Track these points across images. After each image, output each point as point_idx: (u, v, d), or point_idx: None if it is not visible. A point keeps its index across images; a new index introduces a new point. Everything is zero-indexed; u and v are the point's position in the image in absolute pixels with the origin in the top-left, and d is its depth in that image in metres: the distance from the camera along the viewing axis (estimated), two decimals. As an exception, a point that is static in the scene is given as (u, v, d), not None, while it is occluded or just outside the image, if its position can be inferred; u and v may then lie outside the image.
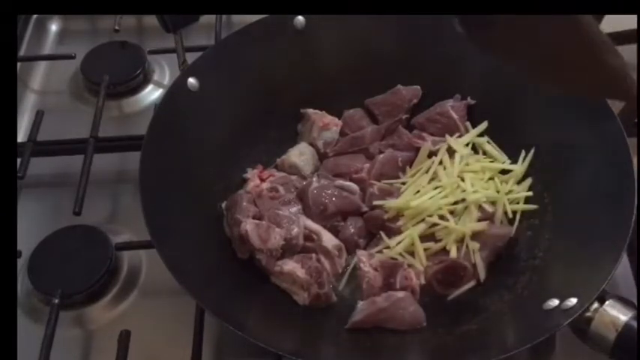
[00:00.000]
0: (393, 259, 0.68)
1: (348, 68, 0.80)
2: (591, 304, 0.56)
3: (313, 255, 0.68)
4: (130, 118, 0.90)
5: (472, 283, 0.67)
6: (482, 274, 0.67)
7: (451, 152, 0.75)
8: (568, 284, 0.59)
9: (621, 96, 0.53)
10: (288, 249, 0.68)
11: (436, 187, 0.72)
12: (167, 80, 0.94)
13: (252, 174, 0.75)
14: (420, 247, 0.68)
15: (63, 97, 0.92)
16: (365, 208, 0.73)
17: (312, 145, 0.79)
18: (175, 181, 0.68)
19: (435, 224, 0.69)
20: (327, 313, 0.67)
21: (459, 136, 0.76)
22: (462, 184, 0.72)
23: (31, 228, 0.74)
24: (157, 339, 0.68)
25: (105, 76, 0.89)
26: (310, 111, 0.79)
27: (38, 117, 0.84)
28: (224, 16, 0.97)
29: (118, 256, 0.73)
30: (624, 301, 0.57)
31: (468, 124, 0.77)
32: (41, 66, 0.96)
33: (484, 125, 0.77)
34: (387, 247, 0.69)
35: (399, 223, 0.70)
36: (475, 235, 0.68)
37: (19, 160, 0.78)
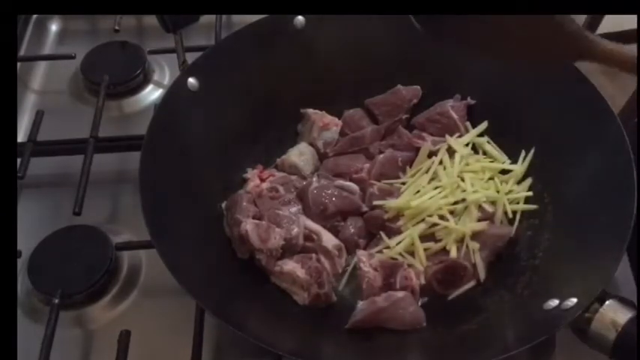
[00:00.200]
0: (393, 259, 0.68)
1: (348, 68, 0.80)
2: (591, 304, 0.56)
3: (313, 255, 0.68)
4: (130, 118, 0.90)
5: (472, 283, 0.67)
6: (482, 274, 0.67)
7: (451, 152, 0.75)
8: (568, 284, 0.59)
9: (586, 55, 0.54)
10: (288, 249, 0.68)
11: (436, 187, 0.72)
12: (167, 80, 0.93)
13: (252, 174, 0.75)
14: (420, 247, 0.68)
15: (63, 97, 0.92)
16: (365, 208, 0.73)
17: (312, 145, 0.79)
18: (175, 181, 0.68)
19: (435, 224, 0.69)
20: (327, 313, 0.67)
21: (459, 136, 0.76)
22: (462, 184, 0.72)
23: (31, 228, 0.74)
24: (157, 339, 0.68)
25: (105, 76, 0.89)
26: (310, 111, 0.79)
27: (38, 117, 0.84)
28: (224, 16, 0.97)
29: (118, 256, 0.73)
30: (624, 301, 0.57)
31: (468, 124, 0.77)
32: (41, 66, 0.96)
33: (484, 125, 0.77)
34: (387, 247, 0.69)
35: (399, 223, 0.70)
36: (475, 235, 0.68)
37: (19, 160, 0.78)
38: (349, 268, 0.69)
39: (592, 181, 0.66)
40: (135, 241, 0.73)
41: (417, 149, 0.76)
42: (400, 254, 0.68)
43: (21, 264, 0.71)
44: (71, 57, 0.93)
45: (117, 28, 0.95)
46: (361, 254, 0.68)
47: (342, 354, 0.63)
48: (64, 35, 1.02)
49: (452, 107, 0.77)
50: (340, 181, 0.74)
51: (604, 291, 0.56)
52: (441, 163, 0.74)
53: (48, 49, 1.00)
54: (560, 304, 0.57)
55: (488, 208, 0.70)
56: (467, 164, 0.74)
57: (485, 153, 0.76)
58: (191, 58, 0.77)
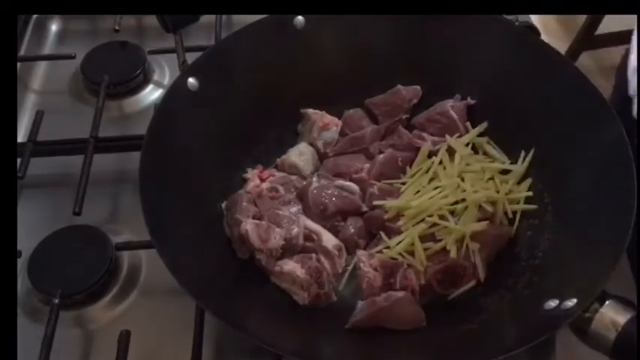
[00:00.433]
0: (393, 259, 0.68)
1: (348, 68, 0.80)
2: (591, 304, 0.56)
3: (313, 255, 0.68)
4: (130, 118, 0.90)
5: (472, 283, 0.67)
6: (482, 274, 0.67)
7: (451, 152, 0.75)
8: (568, 284, 0.59)
9: None
10: (288, 249, 0.68)
11: (436, 187, 0.72)
12: (167, 80, 0.94)
13: (252, 174, 0.75)
14: (420, 247, 0.68)
15: (63, 97, 0.92)
16: (365, 208, 0.73)
17: (312, 145, 0.79)
18: (175, 181, 0.68)
19: (435, 224, 0.69)
20: (327, 313, 0.67)
21: (459, 136, 0.76)
22: (462, 184, 0.72)
23: (31, 228, 0.74)
24: (157, 339, 0.68)
25: (105, 76, 0.89)
26: (310, 111, 0.79)
27: (38, 117, 0.84)
28: (224, 16, 0.97)
29: (118, 256, 0.73)
30: (624, 301, 0.57)
31: (467, 124, 0.77)
32: (41, 66, 0.96)
33: (484, 125, 0.77)
34: (387, 247, 0.69)
35: (399, 223, 0.70)
36: (475, 235, 0.68)
37: (19, 160, 0.78)
38: (349, 268, 0.69)
39: (592, 181, 0.66)
40: (135, 241, 0.73)
41: (417, 149, 0.76)
42: (400, 254, 0.68)
43: (21, 264, 0.71)
44: (71, 57, 0.93)
45: (117, 28, 0.95)
46: (361, 254, 0.68)
47: (342, 354, 0.63)
48: (64, 35, 1.02)
49: (452, 107, 0.77)
50: (340, 181, 0.74)
51: (604, 291, 0.56)
52: (441, 163, 0.74)
53: (48, 49, 1.00)
54: (560, 304, 0.57)
55: (488, 208, 0.70)
56: (467, 164, 0.74)
57: (485, 153, 0.76)
58: (191, 58, 0.77)
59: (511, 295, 0.65)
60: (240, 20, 0.96)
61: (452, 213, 0.70)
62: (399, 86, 0.80)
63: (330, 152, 0.78)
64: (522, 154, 0.73)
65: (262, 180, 0.74)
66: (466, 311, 0.65)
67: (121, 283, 0.72)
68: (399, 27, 0.79)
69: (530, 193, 0.71)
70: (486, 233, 0.68)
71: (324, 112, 0.79)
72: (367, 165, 0.76)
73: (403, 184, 0.74)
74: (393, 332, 0.63)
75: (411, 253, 0.69)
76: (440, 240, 0.69)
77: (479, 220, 0.69)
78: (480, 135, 0.77)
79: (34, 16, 1.02)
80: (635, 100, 0.77)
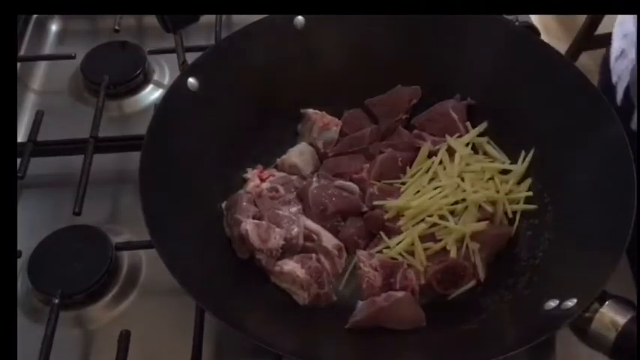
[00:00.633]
0: (393, 259, 0.68)
1: (348, 68, 0.80)
2: (591, 304, 0.56)
3: (313, 255, 0.68)
4: (130, 118, 0.90)
5: (472, 283, 0.67)
6: (482, 274, 0.67)
7: (451, 152, 0.75)
8: (568, 284, 0.59)
9: None
10: (288, 249, 0.68)
11: (436, 187, 0.72)
12: (167, 80, 0.94)
13: (252, 174, 0.75)
14: (420, 247, 0.68)
15: (63, 97, 0.92)
16: (365, 208, 0.73)
17: (312, 145, 0.79)
18: (175, 181, 0.68)
19: (435, 224, 0.69)
20: (327, 313, 0.67)
21: (459, 136, 0.76)
22: (462, 184, 0.72)
23: (31, 228, 0.74)
24: (157, 339, 0.68)
25: (105, 76, 0.89)
26: (310, 111, 0.79)
27: (38, 117, 0.84)
28: (224, 16, 0.97)
29: (118, 256, 0.73)
30: (624, 301, 0.57)
31: (467, 124, 0.77)
32: (41, 66, 0.96)
33: (484, 125, 0.77)
34: (387, 247, 0.69)
35: (399, 223, 0.70)
36: (475, 235, 0.68)
37: (19, 160, 0.78)
38: (349, 268, 0.69)
39: (592, 181, 0.66)
40: (135, 241, 0.73)
41: (417, 149, 0.76)
42: (400, 254, 0.68)
43: (21, 264, 0.71)
44: (71, 57, 0.93)
45: (117, 28, 0.95)
46: (361, 254, 0.68)
47: (342, 354, 0.63)
48: (64, 35, 1.02)
49: (452, 107, 0.77)
50: (340, 181, 0.74)
51: (604, 291, 0.56)
52: (441, 163, 0.74)
53: (48, 49, 1.00)
54: (560, 304, 0.57)
55: (488, 208, 0.70)
56: (467, 164, 0.74)
57: (485, 153, 0.76)
58: (191, 58, 0.77)
59: (511, 295, 0.65)
60: (240, 20, 0.96)
61: (452, 213, 0.70)
62: (399, 86, 0.80)
63: (330, 152, 0.78)
64: (522, 154, 0.73)
65: (262, 180, 0.74)
66: (466, 311, 0.65)
67: (121, 283, 0.72)
68: (399, 27, 0.79)
69: (530, 193, 0.71)
70: (486, 233, 0.68)
71: (324, 112, 0.79)
72: (367, 165, 0.76)
73: (403, 184, 0.74)
74: (393, 332, 0.63)
75: (411, 253, 0.69)
76: (440, 240, 0.69)
77: (479, 220, 0.69)
78: (480, 135, 0.77)
79: (34, 16, 1.02)
80: (618, 88, 0.77)
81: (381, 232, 0.71)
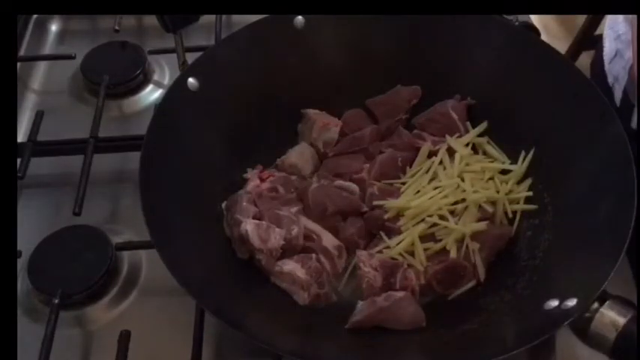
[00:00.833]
0: (393, 259, 0.68)
1: (348, 68, 0.80)
2: (591, 304, 0.56)
3: (313, 255, 0.68)
4: (130, 118, 0.90)
5: (472, 283, 0.67)
6: (482, 274, 0.67)
7: (451, 152, 0.75)
8: (568, 284, 0.59)
9: None
10: (288, 249, 0.68)
11: (436, 187, 0.72)
12: (167, 80, 0.94)
13: (252, 174, 0.75)
14: (420, 247, 0.68)
15: (63, 97, 0.92)
16: (365, 208, 0.72)
17: (312, 145, 0.79)
18: (175, 181, 0.68)
19: (435, 224, 0.69)
20: (327, 313, 0.67)
21: (459, 136, 0.76)
22: (462, 184, 0.72)
23: (31, 228, 0.74)
24: (157, 339, 0.68)
25: (105, 76, 0.89)
26: (310, 111, 0.79)
27: (38, 117, 0.84)
28: (224, 16, 0.97)
29: (118, 256, 0.73)
30: (624, 301, 0.57)
31: (467, 124, 0.77)
32: (41, 66, 0.96)
33: (484, 125, 0.77)
34: (387, 247, 0.69)
35: (399, 223, 0.70)
36: (475, 235, 0.68)
37: (19, 160, 0.78)
38: (349, 268, 0.69)
39: (592, 181, 0.66)
40: (135, 241, 0.73)
41: (417, 149, 0.76)
42: (400, 254, 0.68)
43: (21, 264, 0.71)
44: (71, 57, 0.93)
45: (117, 28, 0.95)
46: (361, 254, 0.68)
47: (342, 354, 0.63)
48: (64, 35, 1.02)
49: (452, 107, 0.77)
50: (340, 181, 0.74)
51: (604, 291, 0.56)
52: (441, 163, 0.74)
53: (48, 49, 1.00)
54: (560, 304, 0.57)
55: (488, 208, 0.70)
56: (467, 164, 0.74)
57: (485, 153, 0.76)
58: (191, 58, 0.77)
59: (511, 295, 0.64)
60: (240, 20, 0.96)
61: (452, 213, 0.70)
62: (399, 86, 0.80)
63: (330, 152, 0.78)
64: (522, 154, 0.73)
65: (262, 180, 0.74)
66: (466, 311, 0.65)
67: (121, 283, 0.72)
68: (399, 27, 0.79)
69: (530, 193, 0.71)
70: (486, 233, 0.68)
71: (324, 112, 0.79)
72: (367, 165, 0.76)
73: (403, 184, 0.74)
74: (393, 332, 0.63)
75: (411, 253, 0.69)
76: (440, 240, 0.69)
77: (479, 220, 0.69)
78: (480, 135, 0.77)
79: (34, 16, 1.02)
80: (615, 89, 0.77)
81: (381, 232, 0.71)
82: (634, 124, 0.76)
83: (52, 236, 0.73)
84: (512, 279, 0.66)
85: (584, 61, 0.92)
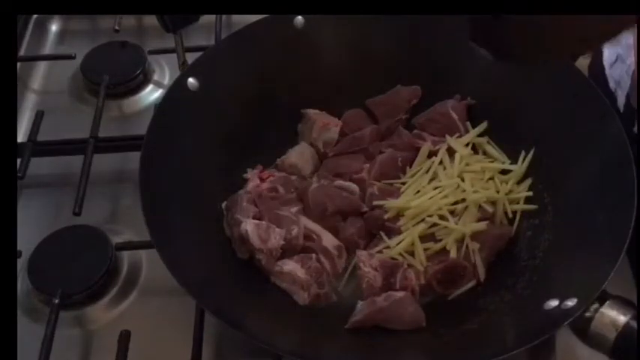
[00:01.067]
0: (393, 259, 0.68)
1: (348, 68, 0.80)
2: (591, 304, 0.56)
3: (313, 255, 0.68)
4: (130, 118, 0.90)
5: (472, 283, 0.67)
6: (482, 274, 0.67)
7: (451, 152, 0.75)
8: (568, 284, 0.59)
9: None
10: (288, 249, 0.68)
11: (436, 187, 0.72)
12: (167, 80, 0.93)
13: (252, 174, 0.75)
14: (420, 247, 0.68)
15: (63, 97, 0.92)
16: (365, 208, 0.72)
17: (312, 145, 0.79)
18: (175, 181, 0.68)
19: (435, 224, 0.69)
20: (327, 313, 0.67)
21: (459, 136, 0.76)
22: (462, 185, 0.72)
23: (31, 228, 0.74)
24: (157, 339, 0.68)
25: (105, 76, 0.89)
26: (310, 111, 0.79)
27: (38, 117, 0.84)
28: (224, 16, 0.97)
29: (118, 256, 0.73)
30: (624, 301, 0.57)
31: (467, 124, 0.77)
32: (41, 66, 0.96)
33: (484, 125, 0.77)
34: (387, 247, 0.69)
35: (399, 223, 0.70)
36: (475, 235, 0.68)
37: (19, 160, 0.78)
38: (349, 268, 0.69)
39: (592, 181, 0.66)
40: (135, 241, 0.73)
41: (417, 149, 0.76)
42: (400, 254, 0.68)
43: (21, 264, 0.71)
44: (71, 57, 0.93)
45: (117, 28, 0.95)
46: (361, 254, 0.68)
47: (342, 354, 0.63)
48: (64, 35, 1.02)
49: (452, 107, 0.77)
50: (340, 181, 0.74)
51: (604, 291, 0.56)
52: (441, 163, 0.74)
53: (48, 49, 1.00)
54: (560, 304, 0.57)
55: (488, 208, 0.70)
56: (467, 164, 0.74)
57: (485, 153, 0.76)
58: (191, 58, 0.77)
59: (511, 296, 0.64)
60: (240, 20, 0.96)
61: (452, 213, 0.70)
62: (399, 86, 0.80)
63: (330, 152, 0.78)
64: (522, 154, 0.73)
65: (262, 180, 0.74)
66: (466, 311, 0.65)
67: (121, 283, 0.72)
68: (399, 27, 0.79)
69: (530, 193, 0.71)
70: (486, 233, 0.68)
71: (324, 112, 0.79)
72: (367, 165, 0.76)
73: (403, 184, 0.74)
74: (393, 332, 0.63)
75: (411, 253, 0.69)
76: (440, 240, 0.69)
77: (479, 220, 0.69)
78: (480, 135, 0.77)
79: (34, 16, 1.02)
80: (618, 94, 0.77)
81: (381, 232, 0.71)
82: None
83: (52, 236, 0.73)
84: (512, 279, 0.66)
85: (584, 61, 0.92)
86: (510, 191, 0.72)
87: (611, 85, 0.78)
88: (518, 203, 0.71)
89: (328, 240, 0.69)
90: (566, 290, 0.58)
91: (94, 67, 0.91)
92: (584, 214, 0.65)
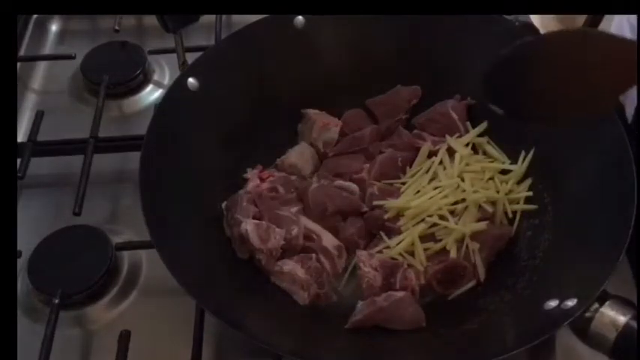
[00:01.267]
0: (393, 259, 0.68)
1: (348, 68, 0.80)
2: (591, 304, 0.56)
3: (313, 255, 0.68)
4: (130, 118, 0.90)
5: (472, 283, 0.67)
6: (482, 274, 0.67)
7: (451, 152, 0.75)
8: (568, 284, 0.59)
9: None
10: (288, 249, 0.68)
11: (436, 187, 0.72)
12: (167, 80, 0.94)
13: (252, 174, 0.75)
14: (420, 247, 0.68)
15: (63, 97, 0.92)
16: (365, 208, 0.72)
17: (312, 145, 0.79)
18: (175, 181, 0.68)
19: (435, 224, 0.69)
20: (327, 313, 0.67)
21: (459, 136, 0.76)
22: (462, 185, 0.72)
23: (31, 228, 0.74)
24: (157, 339, 0.68)
25: (105, 76, 0.89)
26: (310, 111, 0.79)
27: (38, 117, 0.84)
28: (224, 16, 0.97)
29: (118, 256, 0.73)
30: (624, 301, 0.57)
31: (468, 124, 0.77)
32: (41, 66, 0.96)
33: (484, 125, 0.77)
34: (387, 247, 0.69)
35: (399, 223, 0.70)
36: (475, 235, 0.68)
37: (19, 160, 0.78)
38: (349, 268, 0.69)
39: (592, 181, 0.66)
40: (135, 241, 0.73)
41: (417, 149, 0.76)
42: (400, 254, 0.68)
43: (21, 264, 0.71)
44: (71, 57, 0.93)
45: (117, 28, 0.95)
46: (361, 254, 0.67)
47: (342, 354, 0.63)
48: (64, 35, 1.02)
49: (452, 107, 0.77)
50: (340, 181, 0.74)
51: (604, 291, 0.56)
52: (441, 163, 0.74)
53: (48, 49, 1.00)
54: (560, 304, 0.57)
55: (488, 208, 0.70)
56: (467, 164, 0.74)
57: (485, 153, 0.76)
58: (191, 58, 0.77)
59: (511, 295, 0.64)
60: (240, 20, 0.96)
61: (452, 213, 0.70)
62: (399, 86, 0.80)
63: (330, 152, 0.78)
64: (522, 154, 0.73)
65: (262, 180, 0.74)
66: (466, 311, 0.65)
67: (121, 283, 0.72)
68: (399, 27, 0.79)
69: (530, 193, 0.71)
70: (486, 233, 0.68)
71: (324, 112, 0.79)
72: (367, 165, 0.76)
73: (403, 184, 0.74)
74: (393, 332, 0.63)
75: (411, 253, 0.69)
76: (440, 240, 0.69)
77: (479, 220, 0.69)
78: (480, 135, 0.77)
79: (34, 16, 1.02)
80: (627, 105, 0.76)
81: (381, 232, 0.71)
82: None
83: (52, 236, 0.73)
84: (512, 279, 0.66)
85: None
86: (510, 191, 0.72)
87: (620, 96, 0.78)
88: (518, 203, 0.71)
89: (328, 240, 0.69)
90: (566, 290, 0.58)
91: (94, 67, 0.91)
92: (584, 214, 0.65)
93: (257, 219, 0.69)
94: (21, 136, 0.85)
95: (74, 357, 0.67)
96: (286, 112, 0.80)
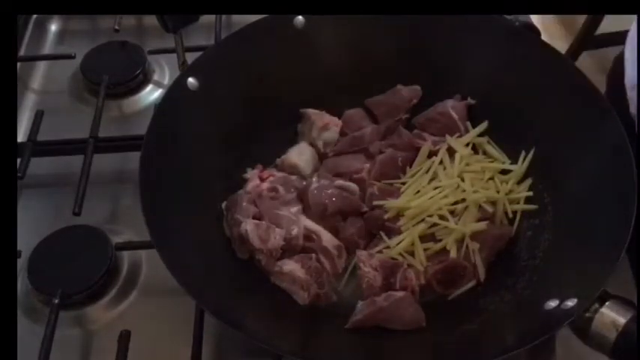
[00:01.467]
0: (393, 259, 0.68)
1: (348, 68, 0.80)
2: (591, 304, 0.56)
3: (313, 255, 0.68)
4: (130, 118, 0.90)
5: (472, 283, 0.67)
6: (482, 274, 0.67)
7: (451, 152, 0.75)
8: (568, 284, 0.59)
9: None
10: (288, 249, 0.68)
11: (436, 187, 0.72)
12: (167, 80, 0.93)
13: (252, 174, 0.75)
14: (420, 247, 0.68)
15: (63, 97, 0.92)
16: (365, 208, 0.72)
17: (312, 145, 0.79)
18: (175, 181, 0.68)
19: (435, 224, 0.69)
20: (327, 313, 0.67)
21: (459, 136, 0.76)
22: (462, 184, 0.72)
23: (31, 228, 0.74)
24: (157, 339, 0.68)
25: (105, 76, 0.89)
26: (310, 111, 0.79)
27: (38, 117, 0.84)
28: (224, 16, 0.97)
29: (118, 256, 0.73)
30: (624, 301, 0.57)
31: (468, 124, 0.77)
32: (41, 66, 0.96)
33: (484, 125, 0.77)
34: (387, 247, 0.69)
35: (399, 223, 0.70)
36: (475, 235, 0.68)
37: (19, 160, 0.78)
38: (349, 268, 0.69)
39: (592, 181, 0.66)
40: (135, 241, 0.73)
41: (417, 149, 0.75)
42: (400, 254, 0.68)
43: (21, 264, 0.71)
44: (71, 57, 0.93)
45: (117, 28, 0.95)
46: (361, 254, 0.67)
47: (342, 354, 0.63)
48: (64, 35, 1.02)
49: (452, 107, 0.77)
50: (340, 181, 0.74)
51: (604, 291, 0.56)
52: (441, 163, 0.74)
53: (48, 49, 1.00)
54: (560, 304, 0.57)
55: (488, 208, 0.70)
56: (467, 164, 0.74)
57: (485, 153, 0.76)
58: (191, 58, 0.77)
59: (511, 295, 0.64)
60: (240, 20, 0.96)
61: (452, 213, 0.70)
62: (399, 86, 0.80)
63: (330, 152, 0.78)
64: (522, 154, 0.73)
65: (262, 180, 0.74)
66: (466, 311, 0.65)
67: (121, 283, 0.72)
68: (398, 27, 0.79)
69: (531, 193, 0.71)
70: (486, 233, 0.68)
71: (324, 112, 0.79)
72: (367, 165, 0.76)
73: (403, 184, 0.74)
74: (393, 332, 0.63)
75: (411, 253, 0.69)
76: (440, 240, 0.69)
77: (479, 220, 0.69)
78: (480, 135, 0.77)
79: (34, 16, 1.02)
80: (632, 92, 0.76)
81: (381, 232, 0.71)
82: None
83: (52, 236, 0.73)
84: (512, 279, 0.66)
85: (584, 61, 0.91)
86: (510, 191, 0.72)
87: (632, 109, 0.77)
88: (518, 203, 0.71)
89: (328, 240, 0.69)
90: (566, 290, 0.58)
91: (94, 67, 0.91)
92: (584, 214, 0.65)
93: (257, 219, 0.69)
94: (21, 136, 0.85)
95: (74, 357, 0.67)
96: (286, 112, 0.80)
